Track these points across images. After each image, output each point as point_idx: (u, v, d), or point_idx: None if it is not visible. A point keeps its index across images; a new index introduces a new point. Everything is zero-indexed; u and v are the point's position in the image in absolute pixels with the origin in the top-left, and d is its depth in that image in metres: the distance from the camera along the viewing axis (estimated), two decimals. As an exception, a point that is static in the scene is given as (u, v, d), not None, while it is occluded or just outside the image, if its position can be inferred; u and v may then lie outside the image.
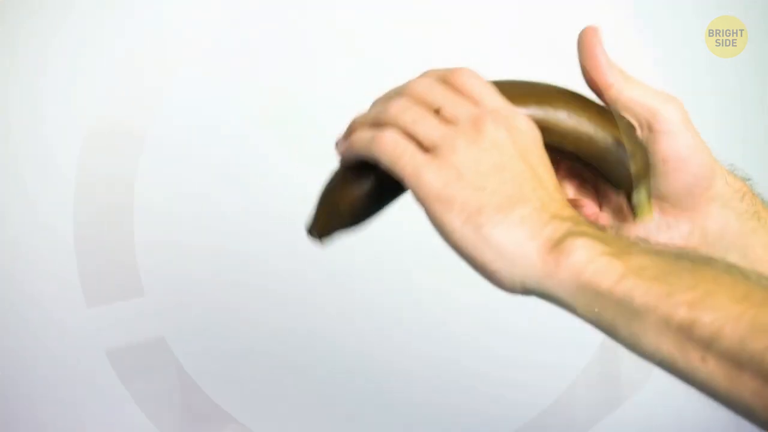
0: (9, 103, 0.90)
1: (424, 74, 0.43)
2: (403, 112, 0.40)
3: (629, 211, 0.48)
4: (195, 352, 0.95)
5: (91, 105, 0.91)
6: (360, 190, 0.42)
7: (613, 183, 0.46)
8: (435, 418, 1.01)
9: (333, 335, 0.97)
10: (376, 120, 0.41)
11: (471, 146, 0.38)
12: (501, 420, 1.01)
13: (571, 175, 0.49)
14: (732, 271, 0.36)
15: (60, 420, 0.92)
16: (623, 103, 0.45)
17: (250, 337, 0.96)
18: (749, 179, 0.49)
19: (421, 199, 0.38)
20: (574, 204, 0.48)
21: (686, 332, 0.33)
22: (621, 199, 0.49)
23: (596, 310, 0.35)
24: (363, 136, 0.41)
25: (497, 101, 0.41)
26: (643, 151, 0.45)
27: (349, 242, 0.47)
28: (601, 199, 0.49)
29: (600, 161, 0.45)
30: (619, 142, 0.44)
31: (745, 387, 0.32)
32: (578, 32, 0.45)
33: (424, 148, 0.39)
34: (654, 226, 0.48)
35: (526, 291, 0.37)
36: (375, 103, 0.43)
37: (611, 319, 0.35)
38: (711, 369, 0.33)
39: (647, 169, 0.45)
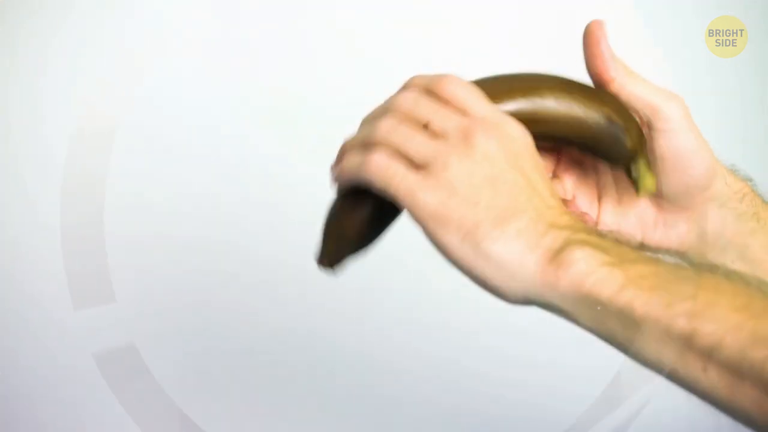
0: (9, 103, 0.90)
1: (409, 85, 0.42)
2: (392, 131, 0.40)
3: (629, 200, 0.48)
4: (194, 352, 0.95)
5: (91, 105, 0.91)
6: (362, 213, 0.42)
7: (612, 161, 0.46)
8: (435, 418, 1.01)
9: (333, 335, 0.97)
10: (365, 142, 0.41)
11: (462, 160, 0.38)
12: (501, 420, 1.01)
13: (572, 166, 0.49)
14: (733, 277, 0.36)
15: (60, 420, 0.92)
16: (624, 99, 0.45)
17: (250, 337, 0.96)
18: (751, 180, 0.49)
19: (417, 219, 0.38)
20: (568, 205, 0.48)
21: (687, 342, 0.33)
22: (621, 189, 0.49)
23: (597, 320, 0.35)
24: (353, 161, 0.40)
25: (485, 108, 0.41)
26: (636, 124, 0.45)
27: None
28: (601, 189, 0.49)
29: (595, 141, 0.44)
30: (610, 119, 0.44)
31: (746, 396, 0.32)
32: (582, 29, 0.46)
33: (416, 166, 0.39)
34: (651, 223, 0.48)
35: (529, 302, 0.38)
36: (363, 123, 0.42)
37: (612, 329, 0.35)
38: (712, 378, 0.33)
39: (642, 140, 0.45)
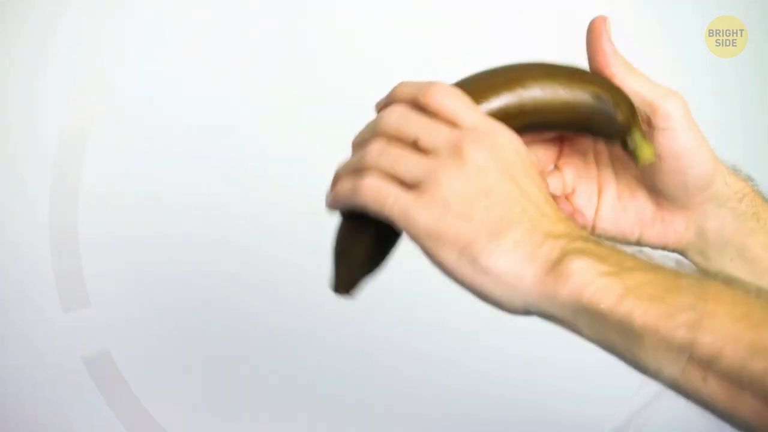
0: (8, 103, 0.90)
1: (395, 96, 0.42)
2: (381, 154, 0.40)
3: (629, 196, 0.48)
4: (193, 353, 0.95)
5: (90, 103, 0.91)
6: (368, 236, 0.42)
7: (607, 137, 0.45)
8: (435, 418, 1.01)
9: (333, 335, 0.97)
10: (356, 167, 0.41)
11: (454, 175, 0.38)
12: (502, 420, 1.01)
13: (574, 159, 0.49)
14: (732, 285, 0.36)
15: (49, 420, 0.91)
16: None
17: (250, 337, 0.96)
18: (752, 180, 0.49)
19: (413, 238, 0.38)
20: (568, 198, 0.48)
21: (686, 353, 0.33)
22: (621, 185, 0.49)
23: (597, 330, 0.35)
24: (346, 187, 0.41)
25: (474, 116, 0.40)
26: (625, 96, 0.45)
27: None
28: (602, 184, 0.49)
29: (587, 121, 0.44)
30: (599, 97, 0.44)
31: (746, 406, 0.32)
32: (582, 29, 0.46)
33: (409, 185, 0.39)
34: (649, 219, 0.49)
35: (529, 313, 0.38)
36: (353, 146, 0.42)
37: (612, 339, 0.35)
38: (712, 388, 0.33)
39: (634, 111, 0.45)
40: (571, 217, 0.47)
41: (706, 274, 0.37)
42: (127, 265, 0.93)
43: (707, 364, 0.33)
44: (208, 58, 0.94)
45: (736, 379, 0.32)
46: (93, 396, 0.92)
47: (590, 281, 0.35)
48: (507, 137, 0.40)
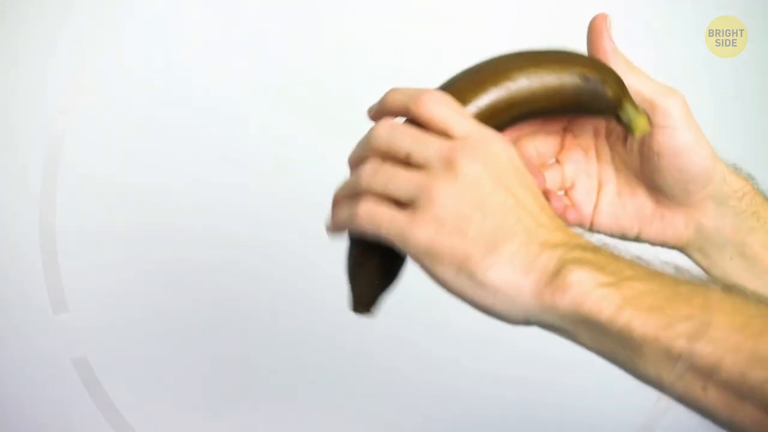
0: (10, 102, 0.90)
1: (386, 107, 0.42)
2: (374, 175, 0.40)
3: (629, 192, 0.48)
4: (194, 352, 0.95)
5: (91, 89, 0.91)
6: (376, 256, 0.42)
7: (599, 114, 0.45)
8: (436, 418, 1.01)
9: (333, 335, 0.97)
10: (351, 191, 0.41)
11: (447, 190, 0.38)
12: (502, 419, 1.01)
13: (575, 153, 0.50)
14: (731, 293, 0.36)
15: (49, 419, 0.91)
16: None
17: (250, 337, 0.96)
18: (753, 179, 0.49)
19: (412, 257, 0.39)
20: (553, 194, 0.48)
21: (686, 363, 0.33)
22: (621, 181, 0.49)
23: (597, 340, 0.36)
24: (343, 213, 0.41)
25: (466, 125, 0.40)
26: (612, 72, 0.45)
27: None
28: (602, 179, 0.49)
29: (577, 103, 0.44)
30: (586, 76, 0.44)
31: (746, 416, 0.32)
32: (582, 28, 0.46)
33: (403, 203, 0.39)
34: (648, 216, 0.49)
35: (530, 323, 0.38)
36: (349, 163, 0.43)
37: (612, 349, 0.35)
38: (712, 398, 0.33)
39: (623, 86, 0.45)
40: (565, 212, 0.47)
41: (705, 282, 0.37)
42: (128, 264, 0.93)
43: (707, 374, 0.33)
44: (210, 47, 0.94)
45: (736, 389, 0.32)
46: (93, 396, 0.92)
47: (589, 292, 0.35)
48: (500, 146, 0.40)
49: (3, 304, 0.90)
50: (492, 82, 0.43)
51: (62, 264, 0.91)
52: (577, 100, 0.44)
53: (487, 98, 0.43)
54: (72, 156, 0.90)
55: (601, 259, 0.37)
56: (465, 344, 0.99)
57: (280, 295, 0.96)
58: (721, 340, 0.33)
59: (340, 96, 0.92)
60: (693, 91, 0.49)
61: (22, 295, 0.90)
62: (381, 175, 0.40)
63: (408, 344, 0.99)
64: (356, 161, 0.42)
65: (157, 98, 0.92)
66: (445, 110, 0.40)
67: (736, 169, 0.49)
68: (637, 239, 0.50)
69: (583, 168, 0.49)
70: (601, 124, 0.49)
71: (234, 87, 0.94)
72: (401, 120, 0.43)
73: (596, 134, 0.49)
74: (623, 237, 0.50)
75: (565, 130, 0.49)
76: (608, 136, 0.49)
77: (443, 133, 0.40)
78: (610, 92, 0.44)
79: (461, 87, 0.43)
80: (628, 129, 0.45)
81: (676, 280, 0.36)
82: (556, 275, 0.36)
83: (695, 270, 0.46)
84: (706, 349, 0.33)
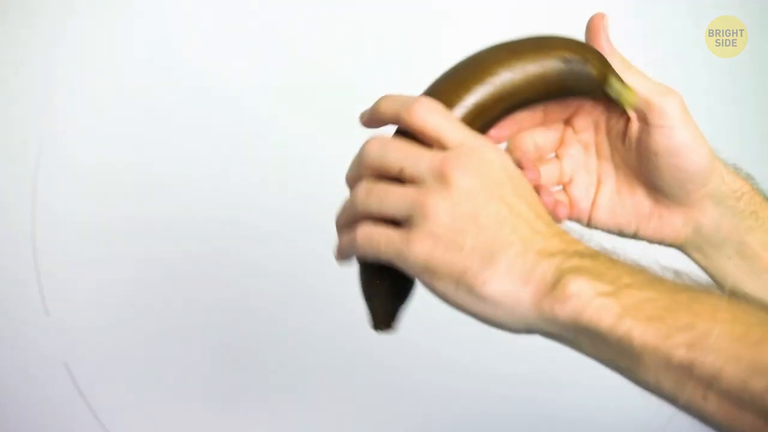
0: (12, 100, 0.90)
1: (378, 115, 0.42)
2: (369, 195, 0.40)
3: (627, 189, 0.48)
4: (194, 352, 0.95)
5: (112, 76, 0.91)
6: (386, 276, 0.42)
7: (587, 94, 0.46)
8: (436, 418, 1.01)
9: (333, 335, 0.97)
10: (349, 216, 0.41)
11: (441, 204, 0.38)
12: (503, 418, 1.01)
13: (575, 147, 0.50)
14: (731, 300, 0.36)
15: (49, 419, 0.91)
16: None
17: (250, 337, 0.96)
18: (752, 179, 0.49)
19: (412, 274, 0.39)
20: (544, 189, 0.48)
21: (686, 372, 0.33)
22: (620, 178, 0.49)
23: (597, 349, 0.36)
24: (345, 241, 0.42)
25: (458, 133, 0.40)
26: (593, 50, 0.45)
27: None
28: (601, 175, 0.49)
29: (562, 86, 0.44)
30: (566, 59, 0.44)
31: (747, 425, 0.33)
32: (581, 27, 0.46)
33: (400, 221, 0.39)
34: (646, 214, 0.49)
35: (532, 332, 0.38)
36: (346, 181, 0.43)
37: (612, 357, 0.36)
38: (713, 407, 0.33)
39: (605, 62, 0.45)
40: (556, 208, 0.47)
41: (705, 287, 0.37)
42: (127, 264, 0.93)
43: (707, 383, 0.33)
44: (217, 40, 0.94)
45: (736, 398, 0.32)
46: (93, 396, 0.92)
47: (588, 302, 0.35)
48: (493, 154, 0.40)
49: (2, 304, 0.90)
50: (474, 80, 0.43)
51: (62, 263, 0.91)
52: (562, 83, 0.44)
53: (472, 98, 0.43)
54: (71, 151, 0.91)
55: (600, 266, 0.37)
56: (465, 344, 0.99)
57: (281, 296, 0.96)
58: (721, 349, 0.33)
59: (347, 91, 0.91)
60: (692, 92, 0.49)
61: (22, 295, 0.90)
62: (375, 196, 0.40)
63: (408, 344, 0.98)
64: (352, 180, 0.42)
65: (164, 92, 0.93)
66: (437, 118, 0.40)
67: (736, 169, 0.49)
68: (634, 236, 0.50)
69: (583, 163, 0.49)
70: (601, 119, 0.49)
71: (240, 80, 0.94)
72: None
73: (597, 130, 0.49)
74: (621, 234, 0.50)
75: (566, 125, 0.49)
76: (608, 132, 0.49)
77: (436, 142, 0.40)
78: (593, 70, 0.44)
79: (445, 90, 0.43)
80: (617, 103, 0.45)
81: (675, 286, 0.36)
82: (554, 285, 0.36)
83: (695, 274, 0.46)
84: (706, 359, 0.33)
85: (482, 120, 0.43)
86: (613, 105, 0.47)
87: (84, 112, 0.91)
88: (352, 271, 0.45)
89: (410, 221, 0.38)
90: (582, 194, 0.49)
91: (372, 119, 0.43)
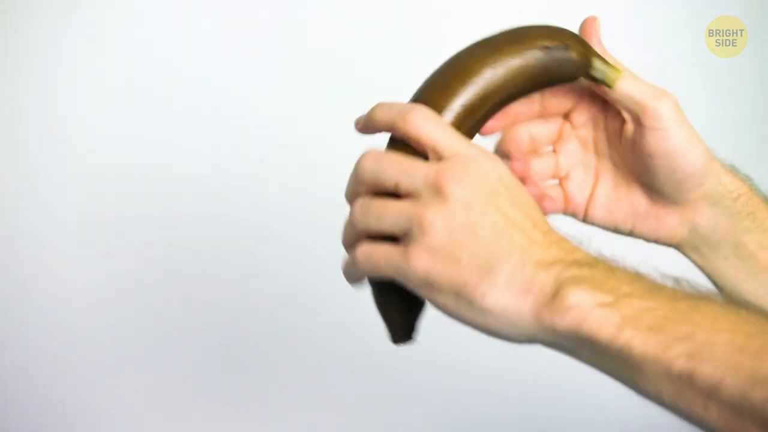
0: (16, 99, 0.90)
1: (373, 123, 0.42)
2: (366, 212, 0.40)
3: (624, 189, 0.48)
4: (195, 351, 0.95)
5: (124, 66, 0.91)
6: (396, 291, 0.42)
7: (574, 78, 0.45)
8: (436, 418, 1.01)
9: (333, 335, 0.97)
10: (351, 238, 0.42)
11: (437, 217, 0.38)
12: (503, 418, 1.01)
13: (572, 144, 0.50)
14: (731, 309, 0.35)
15: (49, 419, 0.91)
16: (614, 96, 0.45)
17: (250, 337, 0.96)
18: (750, 180, 0.49)
19: (413, 288, 0.39)
20: (530, 183, 0.48)
21: (686, 382, 0.33)
22: (618, 177, 0.49)
23: (598, 359, 0.36)
24: (348, 264, 0.42)
25: (454, 143, 0.40)
26: (572, 34, 0.45)
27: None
28: (599, 173, 0.49)
29: (547, 75, 0.44)
30: (546, 47, 0.44)
31: None
32: (580, 22, 0.46)
33: (398, 236, 0.39)
34: (642, 213, 0.49)
35: (533, 342, 0.38)
36: (346, 197, 0.43)
37: (613, 367, 0.36)
38: (713, 416, 0.33)
39: (585, 44, 0.45)
40: (542, 201, 0.47)
41: (704, 295, 0.37)
42: (127, 263, 0.93)
43: (708, 393, 0.33)
44: (226, 39, 0.94)
45: (737, 409, 0.32)
46: (93, 395, 0.92)
47: (588, 313, 0.35)
48: (489, 164, 0.40)
49: (2, 304, 0.90)
50: (458, 82, 0.43)
51: (62, 263, 0.91)
52: (546, 72, 0.44)
53: (459, 100, 0.42)
54: (71, 150, 0.91)
55: (599, 274, 0.36)
56: (465, 344, 0.98)
57: (281, 296, 0.96)
58: (721, 359, 0.33)
59: (348, 91, 0.91)
60: (691, 92, 0.49)
61: (23, 295, 0.90)
62: (372, 213, 0.40)
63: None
64: (350, 197, 0.42)
65: (165, 91, 0.93)
66: (431, 127, 0.40)
67: (734, 170, 0.49)
68: (630, 234, 0.50)
69: (580, 159, 0.49)
70: (599, 116, 0.49)
71: (240, 79, 0.95)
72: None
73: (595, 127, 0.49)
74: (616, 231, 0.50)
75: (564, 120, 0.49)
76: (606, 129, 0.49)
77: (431, 151, 0.40)
78: (574, 54, 0.44)
79: (431, 96, 0.43)
80: (604, 84, 0.45)
81: (675, 294, 0.36)
82: (554, 296, 0.36)
83: (695, 280, 0.46)
84: (706, 369, 0.33)
85: (472, 121, 0.43)
86: (609, 104, 0.47)
87: (84, 112, 0.91)
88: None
89: (408, 236, 0.38)
90: (578, 190, 0.49)
91: (367, 126, 0.43)
